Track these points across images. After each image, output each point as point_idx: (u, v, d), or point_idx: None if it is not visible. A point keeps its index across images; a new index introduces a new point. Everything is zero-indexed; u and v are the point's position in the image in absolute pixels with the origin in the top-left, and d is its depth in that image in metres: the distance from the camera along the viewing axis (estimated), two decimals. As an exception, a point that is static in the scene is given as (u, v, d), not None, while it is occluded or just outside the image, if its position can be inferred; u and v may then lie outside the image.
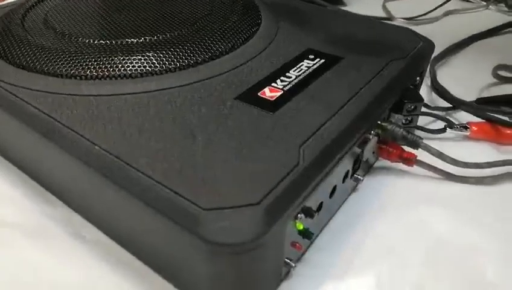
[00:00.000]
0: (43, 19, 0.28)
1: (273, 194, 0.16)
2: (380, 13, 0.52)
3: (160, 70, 0.23)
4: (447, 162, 0.24)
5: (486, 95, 0.31)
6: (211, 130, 0.19)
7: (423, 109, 0.27)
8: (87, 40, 0.25)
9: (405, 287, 0.19)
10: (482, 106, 0.27)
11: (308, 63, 0.25)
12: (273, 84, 0.23)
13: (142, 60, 0.23)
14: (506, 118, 0.26)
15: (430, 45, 0.28)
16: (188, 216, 0.15)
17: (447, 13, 0.53)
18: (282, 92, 0.22)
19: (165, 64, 0.23)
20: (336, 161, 0.19)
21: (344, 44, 0.27)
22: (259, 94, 0.22)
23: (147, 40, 0.25)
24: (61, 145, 0.19)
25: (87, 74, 0.22)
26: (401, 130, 0.23)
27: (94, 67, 0.22)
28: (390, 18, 0.51)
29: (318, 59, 0.25)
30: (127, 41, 0.24)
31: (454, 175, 0.25)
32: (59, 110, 0.20)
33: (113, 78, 0.22)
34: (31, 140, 0.21)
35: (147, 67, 0.23)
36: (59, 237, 0.21)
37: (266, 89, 0.22)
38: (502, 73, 0.33)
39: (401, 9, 0.52)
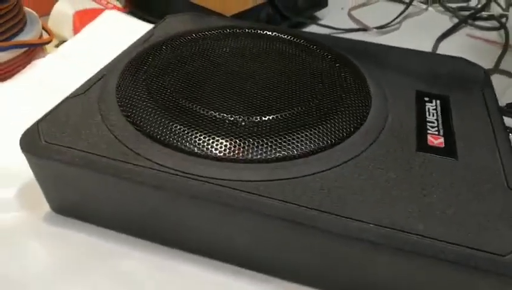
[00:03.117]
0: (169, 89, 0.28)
1: None
2: (352, 24, 0.59)
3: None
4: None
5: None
6: (427, 182, 0.23)
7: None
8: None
9: None
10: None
11: (431, 106, 0.30)
12: (428, 131, 0.27)
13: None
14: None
15: (481, 68, 0.35)
16: (497, 263, 0.20)
17: (405, 18, 0.62)
18: (443, 137, 0.27)
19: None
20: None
21: (434, 81, 0.32)
22: (429, 144, 0.27)
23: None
24: (324, 229, 0.21)
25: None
26: None
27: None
28: (366, 28, 0.58)
29: (433, 100, 0.30)
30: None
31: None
32: (295, 196, 0.22)
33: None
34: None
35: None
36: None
37: (430, 137, 0.27)
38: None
39: (367, 17, 0.60)
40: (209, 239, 0.25)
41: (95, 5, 0.53)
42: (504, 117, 0.34)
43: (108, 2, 0.54)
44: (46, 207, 0.28)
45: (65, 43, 0.43)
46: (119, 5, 0.55)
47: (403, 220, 0.21)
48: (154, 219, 0.25)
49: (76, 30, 0.48)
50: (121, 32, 0.44)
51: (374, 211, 0.21)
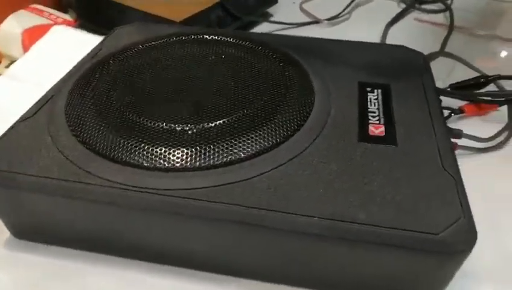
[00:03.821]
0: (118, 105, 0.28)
1: (465, 208, 0.23)
2: (304, 18, 0.60)
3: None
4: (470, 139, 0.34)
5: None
6: (368, 171, 0.25)
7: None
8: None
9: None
10: (463, 92, 0.38)
11: (373, 96, 0.31)
12: (370, 121, 0.29)
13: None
14: (488, 98, 0.37)
15: (420, 54, 0.37)
16: (431, 242, 0.21)
17: (355, 7, 0.64)
18: (384, 126, 0.28)
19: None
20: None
21: (376, 71, 0.34)
22: (370, 133, 0.28)
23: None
24: (272, 227, 0.22)
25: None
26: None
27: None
28: (318, 21, 0.59)
29: (375, 90, 0.32)
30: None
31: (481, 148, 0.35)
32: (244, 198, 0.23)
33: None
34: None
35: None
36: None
37: (371, 127, 0.28)
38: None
39: (318, 9, 0.61)
40: (167, 247, 0.25)
41: (43, 21, 0.52)
42: (447, 98, 0.36)
43: (57, 17, 0.54)
44: (6, 233, 0.28)
45: (14, 64, 0.42)
46: (69, 18, 0.54)
47: (345, 210, 0.22)
48: (112, 233, 0.25)
49: (25, 49, 0.48)
50: (70, 48, 0.44)
51: (318, 205, 0.23)
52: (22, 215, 0.26)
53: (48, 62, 0.42)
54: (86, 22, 0.54)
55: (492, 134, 0.35)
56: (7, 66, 0.47)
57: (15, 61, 0.46)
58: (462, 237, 0.21)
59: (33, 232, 0.27)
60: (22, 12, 0.52)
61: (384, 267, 0.23)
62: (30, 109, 0.29)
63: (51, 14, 0.54)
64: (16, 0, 0.54)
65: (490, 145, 0.35)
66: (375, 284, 0.24)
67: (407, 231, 0.21)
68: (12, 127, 0.28)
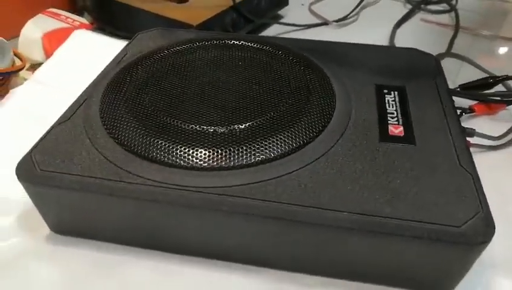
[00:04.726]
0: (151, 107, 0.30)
1: (483, 203, 0.24)
2: (313, 19, 0.62)
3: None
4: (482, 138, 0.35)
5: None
6: (390, 169, 0.26)
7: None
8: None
9: None
10: (473, 92, 0.40)
11: (390, 98, 0.33)
12: (389, 122, 0.30)
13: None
14: (498, 98, 0.39)
15: (432, 56, 0.39)
16: (453, 234, 0.23)
17: (362, 8, 0.65)
18: (403, 126, 0.30)
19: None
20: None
21: (391, 74, 0.35)
22: (390, 134, 0.30)
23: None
24: (305, 221, 0.24)
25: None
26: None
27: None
28: (327, 22, 0.61)
29: (391, 92, 0.34)
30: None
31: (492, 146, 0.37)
32: (277, 194, 0.25)
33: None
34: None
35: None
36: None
37: (390, 128, 0.30)
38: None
39: (326, 11, 0.63)
40: (204, 241, 0.27)
41: (62, 25, 0.54)
42: (457, 98, 0.38)
43: (74, 20, 0.55)
44: (46, 229, 0.30)
45: (39, 68, 0.44)
46: (85, 21, 0.56)
47: (372, 205, 0.24)
48: (152, 229, 0.27)
49: (47, 52, 0.49)
50: (93, 51, 0.45)
51: (347, 201, 0.24)
52: (65, 212, 0.28)
53: (73, 66, 0.44)
54: (103, 25, 0.55)
55: (502, 132, 0.37)
56: (28, 69, 0.49)
57: (36, 64, 0.47)
58: (482, 230, 0.23)
59: (73, 227, 0.29)
60: (40, 16, 0.54)
61: (408, 257, 0.24)
62: (65, 112, 0.31)
63: (67, 17, 0.55)
64: (33, 4, 0.56)
65: (501, 143, 0.37)
66: (399, 273, 0.26)
67: (431, 223, 0.23)
68: (50, 130, 0.29)
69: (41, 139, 0.29)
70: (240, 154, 0.26)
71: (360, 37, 0.42)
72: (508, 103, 0.39)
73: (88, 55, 0.45)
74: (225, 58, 0.35)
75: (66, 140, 0.28)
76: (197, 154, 0.26)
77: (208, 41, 0.37)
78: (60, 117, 0.31)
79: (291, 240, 0.25)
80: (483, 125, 0.37)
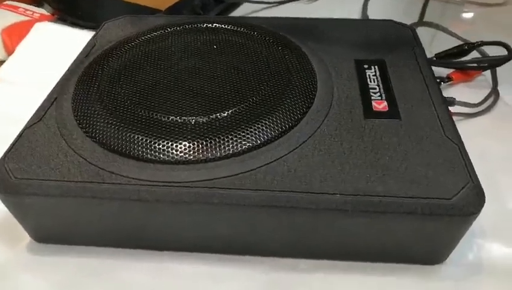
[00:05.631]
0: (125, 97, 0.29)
1: (471, 173, 0.24)
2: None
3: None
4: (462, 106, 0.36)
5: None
6: (378, 146, 0.26)
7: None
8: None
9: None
10: (450, 60, 0.40)
11: (371, 72, 0.32)
12: (372, 98, 0.30)
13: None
14: (474, 65, 0.39)
15: (409, 27, 0.38)
16: (445, 206, 0.23)
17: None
18: (386, 101, 0.30)
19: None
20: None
21: (369, 47, 0.35)
22: (374, 109, 0.29)
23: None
24: (298, 207, 0.24)
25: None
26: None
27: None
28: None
29: (372, 66, 0.33)
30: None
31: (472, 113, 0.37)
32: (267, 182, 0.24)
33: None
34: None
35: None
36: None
37: (374, 103, 0.30)
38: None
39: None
40: (196, 235, 0.26)
41: (21, 18, 0.51)
42: (435, 68, 0.38)
43: (34, 12, 0.52)
44: (26, 238, 0.28)
45: (2, 67, 0.41)
46: (46, 13, 0.53)
47: (364, 185, 0.24)
48: (141, 228, 0.26)
49: (8, 49, 0.46)
50: (58, 44, 0.43)
51: (338, 182, 0.24)
52: (45, 219, 0.27)
53: (38, 61, 0.41)
54: (65, 15, 0.52)
55: (480, 99, 0.37)
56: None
57: (-2, 62, 0.44)
58: (472, 200, 0.23)
59: (55, 234, 0.28)
60: (-4, 11, 0.50)
61: (403, 233, 0.25)
62: (35, 113, 0.29)
63: (26, 9, 0.52)
64: (-13, -2, 0.53)
65: (480, 110, 0.37)
66: (394, 249, 0.26)
67: (423, 198, 0.23)
68: (21, 134, 0.28)
69: (13, 144, 0.27)
70: (226, 143, 0.25)
71: (333, 11, 0.41)
72: (485, 69, 0.39)
73: (53, 48, 0.42)
74: (199, 43, 0.34)
75: (39, 143, 0.27)
76: (180, 147, 0.25)
77: (179, 26, 0.36)
78: (31, 119, 0.29)
79: (284, 227, 0.25)
80: (462, 93, 0.37)
